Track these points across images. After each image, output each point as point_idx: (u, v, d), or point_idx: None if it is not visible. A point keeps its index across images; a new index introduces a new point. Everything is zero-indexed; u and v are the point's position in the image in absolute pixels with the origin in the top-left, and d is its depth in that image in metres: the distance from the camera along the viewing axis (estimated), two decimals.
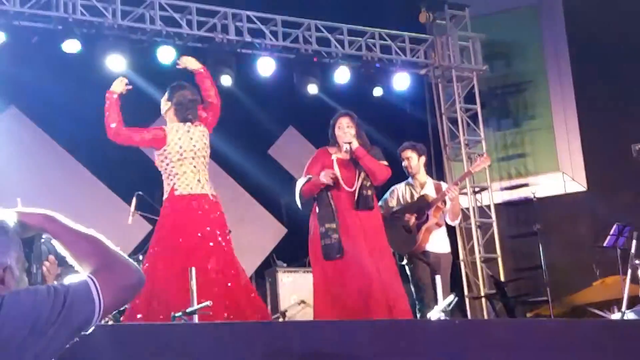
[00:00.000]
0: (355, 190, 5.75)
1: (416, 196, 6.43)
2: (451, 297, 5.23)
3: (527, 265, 8.80)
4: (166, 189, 5.49)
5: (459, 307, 7.79)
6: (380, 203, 6.32)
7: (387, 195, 6.51)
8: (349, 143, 5.77)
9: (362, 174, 5.76)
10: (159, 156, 5.49)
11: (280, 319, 7.42)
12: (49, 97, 7.89)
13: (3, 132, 8.15)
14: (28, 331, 1.71)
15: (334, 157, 5.87)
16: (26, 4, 7.56)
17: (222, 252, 5.46)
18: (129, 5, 8.00)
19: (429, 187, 6.51)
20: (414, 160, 6.47)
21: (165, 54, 7.92)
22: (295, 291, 7.77)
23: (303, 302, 7.56)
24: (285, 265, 8.20)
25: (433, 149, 9.31)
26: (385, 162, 5.86)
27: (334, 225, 5.65)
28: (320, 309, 5.71)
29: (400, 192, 6.49)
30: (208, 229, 5.43)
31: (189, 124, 5.50)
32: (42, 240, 1.98)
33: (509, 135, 9.98)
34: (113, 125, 5.38)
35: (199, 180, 5.44)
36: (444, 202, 6.37)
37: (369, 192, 5.77)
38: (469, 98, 9.60)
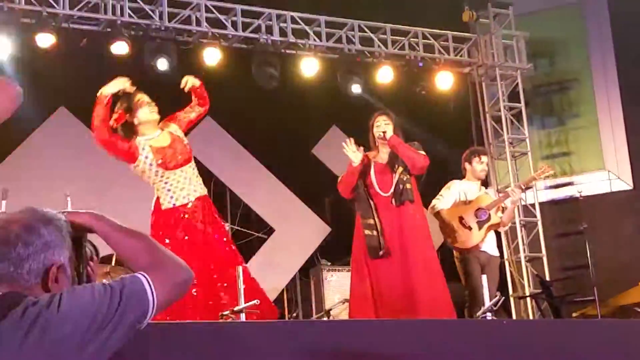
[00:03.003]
0: (391, 188, 5.77)
1: (474, 193, 6.57)
2: (497, 297, 5.23)
3: (573, 265, 8.73)
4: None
5: (504, 306, 7.76)
6: (441, 193, 6.54)
7: (447, 189, 6.63)
8: (383, 132, 5.79)
9: (400, 169, 5.78)
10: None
11: (325, 318, 7.46)
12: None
13: (53, 132, 8.31)
14: (87, 328, 1.73)
15: (372, 162, 5.89)
16: (75, 6, 7.69)
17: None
18: (175, 7, 8.11)
19: (484, 191, 6.72)
20: (487, 165, 6.74)
21: (211, 55, 8.02)
22: (340, 290, 7.80)
23: (347, 300, 7.57)
24: (329, 264, 8.24)
25: None
26: (423, 153, 5.89)
27: (372, 222, 5.69)
28: (355, 307, 5.75)
29: (460, 188, 6.62)
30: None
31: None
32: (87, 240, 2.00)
33: (553, 134, 9.88)
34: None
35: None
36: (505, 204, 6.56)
37: (408, 186, 5.77)
38: (513, 96, 9.53)
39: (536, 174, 6.97)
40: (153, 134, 5.29)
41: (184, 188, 5.21)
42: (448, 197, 6.54)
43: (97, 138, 5.20)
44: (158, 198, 5.21)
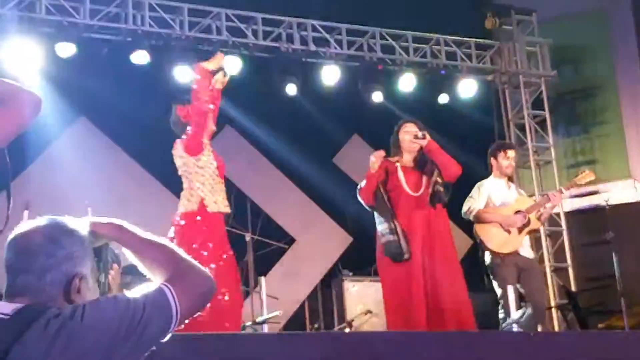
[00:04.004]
0: (425, 190, 5.76)
1: (509, 194, 6.41)
2: (524, 309, 5.17)
3: (599, 275, 8.60)
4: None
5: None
6: (471, 195, 6.37)
7: (477, 190, 6.43)
8: (423, 134, 5.76)
9: (436, 172, 5.78)
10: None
11: (347, 329, 7.39)
12: (118, 108, 8.02)
13: (74, 142, 8.32)
14: (110, 340, 1.72)
15: (397, 164, 5.86)
16: (96, 16, 7.72)
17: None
18: (196, 16, 8.11)
19: (513, 189, 6.52)
20: (513, 160, 6.48)
21: (232, 64, 7.99)
22: (362, 300, 7.73)
23: (369, 311, 7.52)
24: (350, 274, 8.17)
25: None
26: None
27: (392, 226, 5.66)
28: (391, 316, 5.70)
29: (489, 187, 6.44)
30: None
31: None
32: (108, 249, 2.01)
33: (578, 142, 9.78)
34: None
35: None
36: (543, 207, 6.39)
37: (441, 189, 5.78)
38: (537, 104, 9.46)
39: (577, 179, 6.66)
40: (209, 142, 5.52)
41: (224, 199, 5.42)
42: (479, 197, 6.37)
43: (194, 100, 5.33)
44: (202, 199, 5.31)
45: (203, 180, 5.34)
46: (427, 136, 5.80)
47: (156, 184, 8.53)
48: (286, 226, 9.14)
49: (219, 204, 5.33)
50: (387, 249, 5.63)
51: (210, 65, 5.45)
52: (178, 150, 5.42)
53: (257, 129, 8.78)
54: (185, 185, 5.43)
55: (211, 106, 5.34)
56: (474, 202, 6.34)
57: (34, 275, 1.80)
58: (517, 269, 6.20)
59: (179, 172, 5.48)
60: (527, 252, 6.41)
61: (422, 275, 5.57)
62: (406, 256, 5.57)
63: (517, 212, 6.30)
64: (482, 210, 6.30)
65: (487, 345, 4.58)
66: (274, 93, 8.34)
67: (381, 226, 5.71)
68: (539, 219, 6.41)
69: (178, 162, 5.45)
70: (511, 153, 6.47)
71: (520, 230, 6.26)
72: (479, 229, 6.32)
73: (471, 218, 6.34)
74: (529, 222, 6.28)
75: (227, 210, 5.39)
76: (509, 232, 6.24)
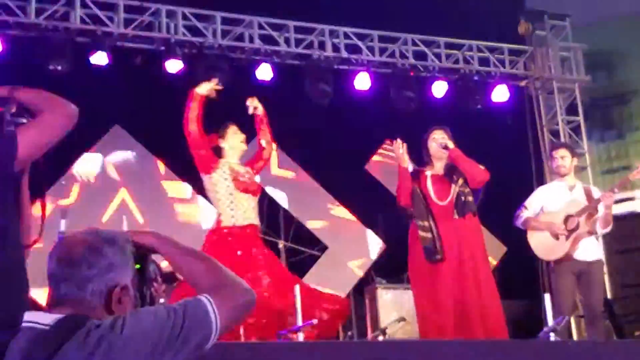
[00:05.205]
0: (451, 200, 5.69)
1: (566, 198, 6.22)
2: (563, 318, 5.09)
3: (635, 282, 8.49)
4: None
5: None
6: (525, 203, 6.25)
7: (533, 196, 6.33)
8: (445, 144, 5.75)
9: (460, 181, 5.72)
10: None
11: (381, 337, 7.35)
12: (151, 116, 8.08)
13: (108, 150, 8.38)
14: (150, 351, 1.72)
15: (427, 173, 5.83)
16: (129, 25, 7.79)
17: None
18: (228, 24, 8.15)
19: (578, 190, 6.29)
20: (567, 160, 6.27)
21: (264, 72, 8.02)
22: (395, 308, 7.68)
23: (403, 319, 7.46)
24: (384, 281, 8.13)
25: (534, 162, 9.11)
26: (482, 167, 5.80)
27: (426, 224, 5.63)
28: (421, 321, 5.66)
29: (548, 194, 6.29)
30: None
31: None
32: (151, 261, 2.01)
33: (612, 147, 9.68)
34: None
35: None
36: (596, 209, 6.10)
37: (470, 198, 5.70)
38: (571, 109, 9.38)
39: (631, 175, 6.36)
40: (236, 159, 5.62)
41: (246, 211, 5.44)
42: (530, 205, 6.26)
43: (186, 129, 5.51)
44: (219, 215, 5.46)
45: (219, 197, 5.44)
46: (450, 144, 5.75)
47: (190, 192, 8.57)
48: (318, 233, 9.13)
49: (237, 217, 5.37)
50: (422, 242, 5.59)
51: (200, 89, 5.57)
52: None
53: (288, 136, 8.77)
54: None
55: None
56: (524, 211, 6.23)
57: (76, 285, 1.80)
58: (573, 275, 6.02)
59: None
60: (587, 254, 6.10)
61: (452, 282, 5.52)
62: (438, 257, 5.53)
63: (567, 217, 6.11)
64: (530, 218, 6.18)
65: (521, 354, 4.52)
66: (306, 101, 8.34)
67: (417, 222, 5.67)
68: (592, 221, 6.09)
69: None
70: (558, 152, 6.30)
71: (568, 235, 6.07)
72: (529, 237, 6.23)
73: (521, 226, 6.25)
74: (577, 227, 6.06)
75: (247, 222, 5.41)
76: (557, 238, 6.08)
